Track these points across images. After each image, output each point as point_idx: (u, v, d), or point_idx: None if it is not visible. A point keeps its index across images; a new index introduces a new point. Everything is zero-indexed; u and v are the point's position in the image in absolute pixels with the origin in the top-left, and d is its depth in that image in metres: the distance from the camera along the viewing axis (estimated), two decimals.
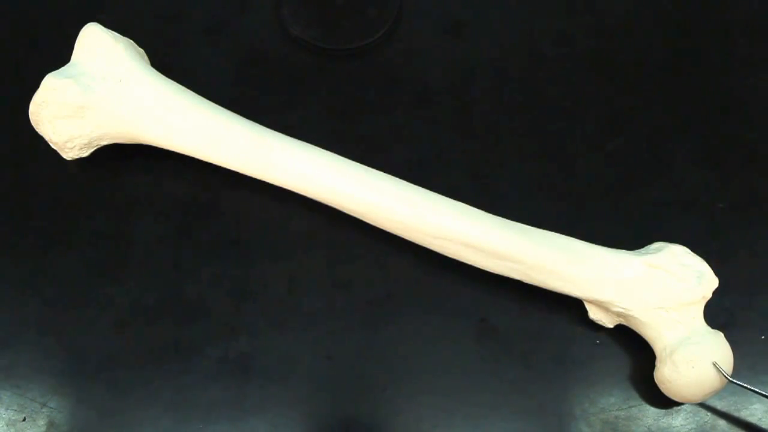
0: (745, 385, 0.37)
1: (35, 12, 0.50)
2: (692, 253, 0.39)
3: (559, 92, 0.48)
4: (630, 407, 0.40)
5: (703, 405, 0.40)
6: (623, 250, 0.40)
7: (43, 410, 0.40)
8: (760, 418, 0.40)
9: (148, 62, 0.45)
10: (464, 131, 0.46)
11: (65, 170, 0.45)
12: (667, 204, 0.45)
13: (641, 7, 0.50)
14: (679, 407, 0.40)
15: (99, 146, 0.43)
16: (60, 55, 0.43)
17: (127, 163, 0.45)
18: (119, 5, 0.50)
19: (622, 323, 0.40)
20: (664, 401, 0.39)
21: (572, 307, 0.41)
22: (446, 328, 0.41)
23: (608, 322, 0.40)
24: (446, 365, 0.41)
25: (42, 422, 0.39)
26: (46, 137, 0.42)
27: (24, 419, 0.39)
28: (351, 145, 0.44)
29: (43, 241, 0.43)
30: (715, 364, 0.37)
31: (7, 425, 0.39)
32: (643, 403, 0.40)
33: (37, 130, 0.42)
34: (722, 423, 0.40)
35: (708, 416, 0.40)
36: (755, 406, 0.40)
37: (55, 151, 0.43)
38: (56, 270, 0.42)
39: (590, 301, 0.40)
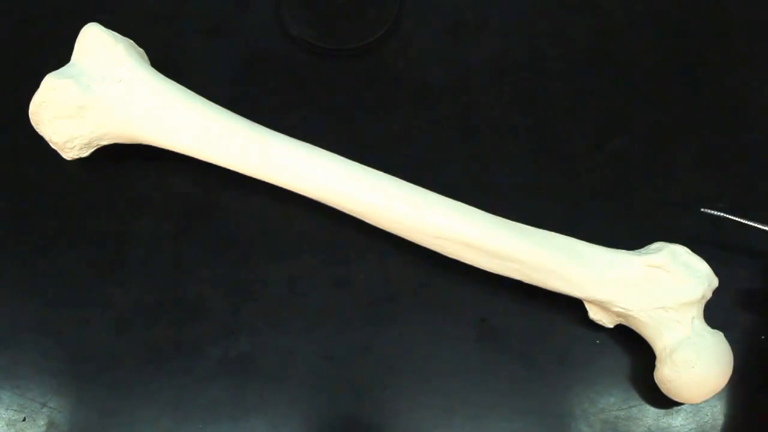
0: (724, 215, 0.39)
1: (35, 12, 0.50)
2: (692, 253, 0.39)
3: (559, 92, 0.48)
4: (630, 407, 0.40)
5: (703, 405, 0.40)
6: (623, 250, 0.40)
7: (43, 410, 0.40)
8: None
9: (148, 62, 0.45)
10: (464, 131, 0.46)
11: (65, 170, 0.45)
12: (667, 204, 0.45)
13: (641, 7, 0.50)
14: (679, 407, 0.40)
15: (99, 146, 0.43)
16: (60, 55, 0.43)
17: (127, 163, 0.45)
18: (119, 5, 0.50)
19: (622, 323, 0.40)
20: (664, 401, 0.39)
21: (572, 307, 0.41)
22: (446, 328, 0.41)
23: (608, 322, 0.40)
24: (446, 365, 0.41)
25: (42, 422, 0.39)
26: (46, 137, 0.42)
27: (24, 419, 0.39)
28: (351, 145, 0.44)
29: (43, 241, 0.43)
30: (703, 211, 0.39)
31: (7, 425, 0.39)
32: (643, 403, 0.40)
33: (37, 130, 0.42)
34: (722, 423, 0.40)
35: (708, 416, 0.40)
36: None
37: (55, 151, 0.43)
38: (56, 270, 0.42)
39: (590, 301, 0.40)
